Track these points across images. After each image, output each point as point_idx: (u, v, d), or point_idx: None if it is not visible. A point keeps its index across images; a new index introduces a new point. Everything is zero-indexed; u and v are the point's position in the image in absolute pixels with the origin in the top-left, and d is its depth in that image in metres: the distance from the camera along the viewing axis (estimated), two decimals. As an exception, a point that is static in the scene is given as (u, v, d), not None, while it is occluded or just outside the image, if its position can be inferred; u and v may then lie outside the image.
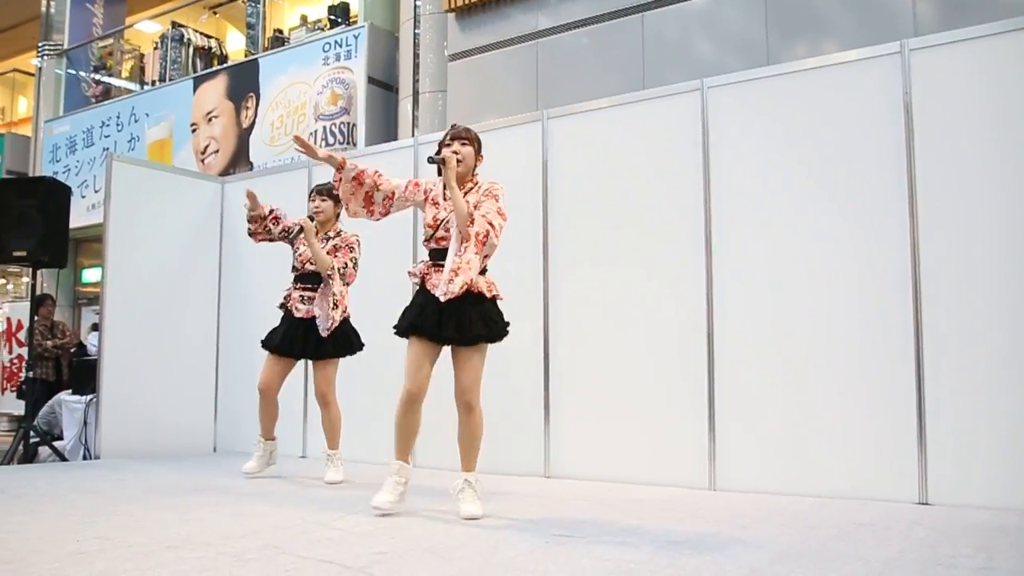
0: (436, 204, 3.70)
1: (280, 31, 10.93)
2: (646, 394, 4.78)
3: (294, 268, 4.89)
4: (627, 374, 4.85)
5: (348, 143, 9.20)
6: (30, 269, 7.02)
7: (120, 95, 12.69)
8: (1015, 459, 3.80)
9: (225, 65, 11.58)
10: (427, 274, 3.66)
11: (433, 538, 3.12)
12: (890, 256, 4.17)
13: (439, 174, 3.70)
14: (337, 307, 4.69)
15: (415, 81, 8.87)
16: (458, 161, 3.62)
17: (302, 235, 4.74)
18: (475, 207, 3.56)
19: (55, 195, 6.49)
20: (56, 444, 6.56)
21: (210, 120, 10.85)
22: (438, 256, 3.64)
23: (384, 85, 9.46)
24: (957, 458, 3.92)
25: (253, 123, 10.32)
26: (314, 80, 9.71)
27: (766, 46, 6.70)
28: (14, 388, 10.75)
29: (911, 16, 6.04)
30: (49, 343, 8.14)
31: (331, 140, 9.37)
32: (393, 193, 3.75)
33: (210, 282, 6.73)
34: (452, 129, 3.78)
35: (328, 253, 4.75)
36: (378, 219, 3.85)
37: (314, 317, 4.75)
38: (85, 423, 6.53)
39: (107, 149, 11.75)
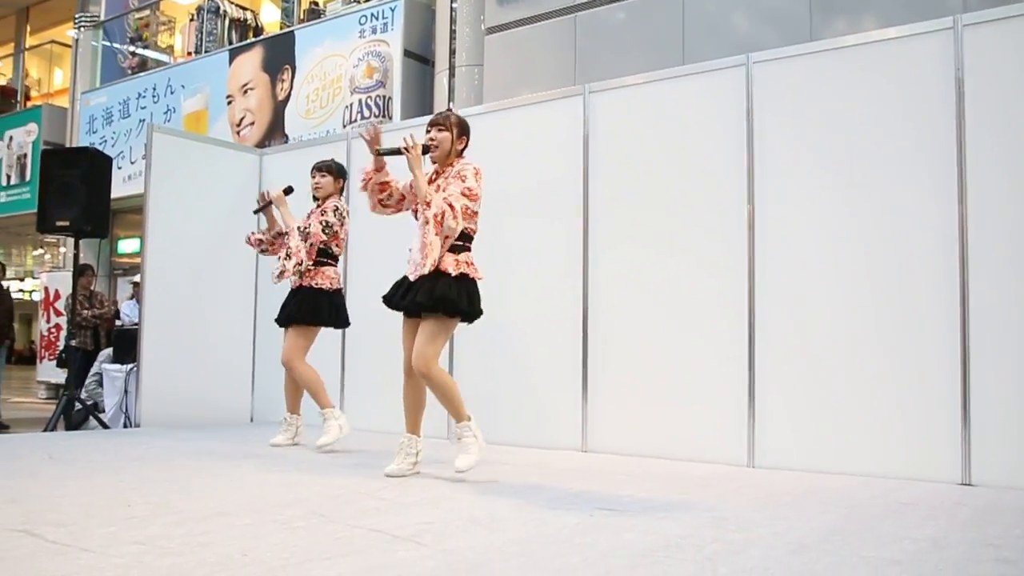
0: (439, 188, 3.91)
1: (316, 3, 10.90)
2: (684, 370, 4.76)
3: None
4: (665, 350, 4.84)
5: (384, 116, 9.18)
6: (71, 239, 7.09)
7: (156, 67, 12.77)
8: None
9: (261, 37, 11.61)
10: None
11: (478, 509, 3.15)
12: (937, 233, 4.11)
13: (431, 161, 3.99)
14: (291, 258, 4.84)
15: (451, 55, 8.83)
16: (435, 147, 3.92)
17: (270, 206, 5.09)
18: (443, 189, 3.80)
19: (97, 165, 6.56)
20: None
21: (246, 92, 10.89)
22: None
23: (420, 59, 9.41)
24: (1002, 438, 3.88)
25: (289, 95, 10.34)
26: (350, 53, 9.69)
27: (809, 22, 6.60)
28: (52, 357, 10.93)
29: (958, -9, 5.92)
30: (87, 312, 8.25)
31: (366, 113, 9.36)
32: (403, 196, 4.11)
33: (248, 253, 6.75)
34: (433, 115, 4.11)
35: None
36: (392, 214, 4.20)
37: (300, 287, 4.92)
38: (126, 391, 6.64)
39: (143, 120, 11.85)
